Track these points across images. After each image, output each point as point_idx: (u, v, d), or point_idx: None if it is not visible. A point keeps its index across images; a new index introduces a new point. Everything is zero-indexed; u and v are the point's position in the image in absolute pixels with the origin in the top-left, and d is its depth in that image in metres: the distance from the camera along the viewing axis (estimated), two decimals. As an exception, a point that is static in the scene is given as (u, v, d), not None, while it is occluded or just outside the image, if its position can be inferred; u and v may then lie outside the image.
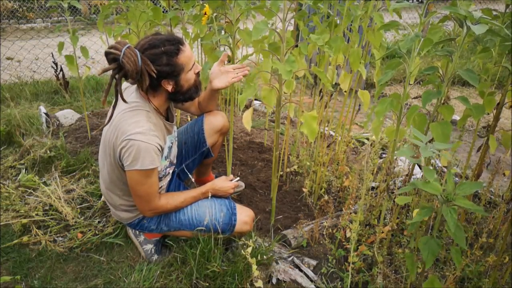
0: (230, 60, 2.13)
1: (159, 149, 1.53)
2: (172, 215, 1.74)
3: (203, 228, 1.71)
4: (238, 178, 1.87)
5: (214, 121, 1.98)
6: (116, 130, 1.51)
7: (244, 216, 1.74)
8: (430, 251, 1.14)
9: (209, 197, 1.76)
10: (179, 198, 1.70)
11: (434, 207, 1.24)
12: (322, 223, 1.93)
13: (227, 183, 1.80)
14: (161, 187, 1.72)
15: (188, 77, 1.58)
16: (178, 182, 1.92)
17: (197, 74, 1.64)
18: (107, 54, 1.41)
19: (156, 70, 1.47)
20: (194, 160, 2.04)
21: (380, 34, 1.87)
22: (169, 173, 1.76)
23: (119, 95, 1.46)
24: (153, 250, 1.81)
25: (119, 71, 1.43)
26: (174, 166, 1.82)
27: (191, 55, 1.56)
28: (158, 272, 1.71)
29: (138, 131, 1.46)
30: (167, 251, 1.84)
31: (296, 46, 1.91)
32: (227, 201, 1.76)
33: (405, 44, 1.31)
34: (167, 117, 1.71)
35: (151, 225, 1.75)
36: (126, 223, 1.78)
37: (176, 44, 1.50)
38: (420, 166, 2.51)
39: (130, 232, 1.85)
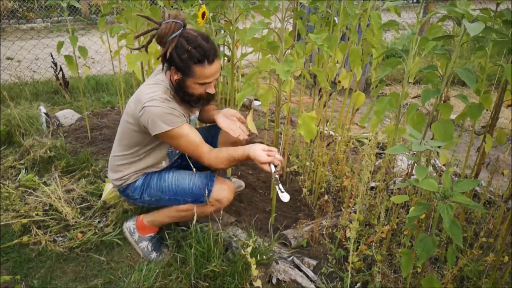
0: (230, 60, 2.13)
1: (175, 114, 1.60)
2: (153, 183, 1.78)
3: (181, 198, 1.75)
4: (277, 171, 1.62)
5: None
6: (136, 100, 1.63)
7: (221, 182, 1.76)
8: (425, 248, 1.15)
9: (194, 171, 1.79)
10: (224, 153, 1.70)
11: (433, 205, 1.24)
12: (322, 223, 1.93)
13: (266, 156, 1.62)
14: (161, 163, 1.80)
15: (194, 87, 1.63)
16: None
17: (208, 92, 1.67)
18: (164, 12, 1.61)
19: (172, 56, 1.56)
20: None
21: (380, 33, 1.87)
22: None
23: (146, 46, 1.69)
24: (149, 247, 1.81)
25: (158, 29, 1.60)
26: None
27: (209, 75, 1.60)
28: (158, 272, 1.71)
29: (151, 98, 1.58)
30: (167, 250, 1.84)
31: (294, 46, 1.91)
32: (209, 173, 1.80)
33: (401, 42, 1.32)
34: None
35: (135, 194, 1.80)
36: (116, 188, 1.84)
37: (204, 55, 1.55)
38: (420, 166, 2.51)
39: (126, 231, 1.87)
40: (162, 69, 1.67)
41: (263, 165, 1.62)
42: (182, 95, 1.66)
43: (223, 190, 1.74)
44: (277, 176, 1.62)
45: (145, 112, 1.58)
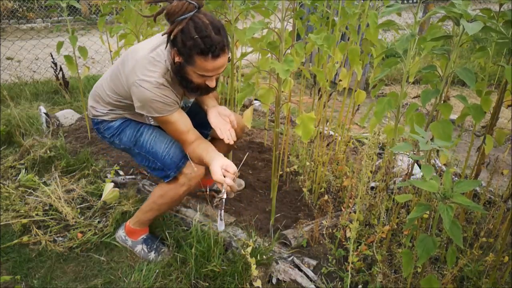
0: (230, 60, 2.13)
1: (166, 102, 1.55)
2: (129, 131, 1.75)
3: (151, 159, 1.72)
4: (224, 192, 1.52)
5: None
6: (133, 67, 1.57)
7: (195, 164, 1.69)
8: (425, 248, 1.15)
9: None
10: (200, 151, 1.64)
11: (433, 205, 1.24)
12: (322, 223, 1.93)
13: (219, 175, 1.53)
14: None
15: (194, 76, 1.54)
16: None
17: (207, 85, 1.58)
18: None
19: (176, 39, 1.45)
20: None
21: (376, 32, 1.88)
22: None
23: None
24: (145, 249, 1.81)
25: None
26: None
27: (211, 69, 1.50)
28: (158, 272, 1.71)
29: (146, 79, 1.52)
30: (167, 250, 1.84)
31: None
32: None
33: (401, 45, 1.31)
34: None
35: (106, 133, 1.78)
36: (91, 116, 1.82)
37: (209, 48, 1.43)
38: (420, 166, 2.51)
39: (119, 241, 1.89)
40: (166, 46, 1.55)
41: (217, 183, 1.56)
42: (180, 79, 1.57)
43: (193, 169, 1.67)
44: (223, 199, 1.51)
45: (136, 88, 1.53)
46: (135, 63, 1.57)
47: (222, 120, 1.75)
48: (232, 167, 1.55)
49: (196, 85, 1.58)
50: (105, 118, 1.77)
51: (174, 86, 1.59)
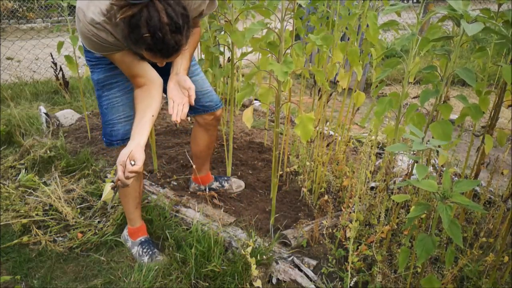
0: (230, 60, 2.13)
1: (102, 43, 1.33)
2: (104, 73, 1.57)
3: (101, 114, 1.63)
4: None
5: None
6: None
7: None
8: (425, 248, 1.15)
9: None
10: (136, 116, 1.45)
11: (433, 205, 1.24)
12: (322, 223, 1.93)
13: (118, 161, 1.33)
14: None
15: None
16: None
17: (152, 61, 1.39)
18: None
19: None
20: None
21: (376, 32, 1.88)
22: None
23: None
24: (140, 252, 1.80)
25: None
26: None
27: (158, 62, 1.35)
28: (158, 272, 1.71)
29: (84, 12, 1.29)
30: (161, 257, 1.78)
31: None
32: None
33: (400, 43, 1.31)
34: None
35: (86, 54, 1.58)
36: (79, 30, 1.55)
37: (159, 50, 1.24)
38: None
39: (122, 240, 1.89)
40: None
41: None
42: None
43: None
44: (114, 190, 1.42)
45: (76, 15, 1.32)
46: None
47: (179, 92, 1.53)
48: (137, 163, 1.32)
49: (142, 55, 1.36)
50: None
51: (118, 30, 1.32)
